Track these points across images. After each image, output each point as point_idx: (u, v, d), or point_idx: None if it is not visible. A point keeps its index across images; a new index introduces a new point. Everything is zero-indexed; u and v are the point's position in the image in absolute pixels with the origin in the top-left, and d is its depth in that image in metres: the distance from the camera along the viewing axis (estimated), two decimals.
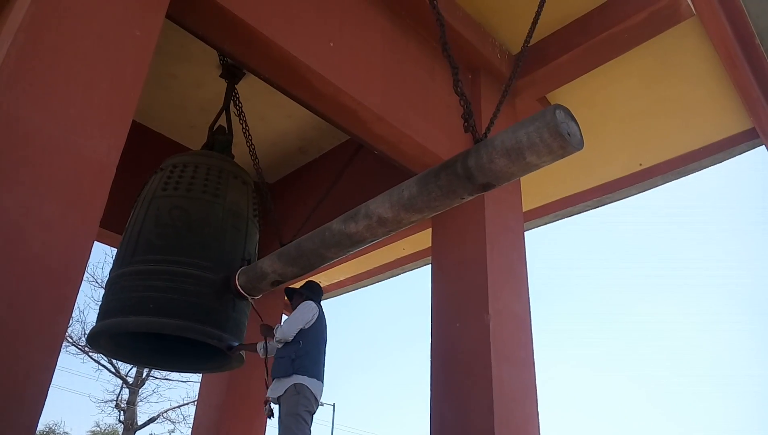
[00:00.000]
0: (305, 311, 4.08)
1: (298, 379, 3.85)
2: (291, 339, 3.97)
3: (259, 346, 4.31)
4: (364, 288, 7.46)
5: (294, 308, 4.30)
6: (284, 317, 6.83)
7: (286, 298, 4.55)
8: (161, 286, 3.95)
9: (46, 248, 2.10)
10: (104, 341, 4.15)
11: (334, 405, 27.39)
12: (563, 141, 2.23)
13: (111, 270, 4.29)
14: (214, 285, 4.07)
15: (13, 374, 1.93)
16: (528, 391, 3.77)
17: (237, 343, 4.23)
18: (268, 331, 4.25)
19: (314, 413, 3.94)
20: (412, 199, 2.76)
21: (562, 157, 2.33)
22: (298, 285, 4.52)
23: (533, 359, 3.92)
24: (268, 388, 4.14)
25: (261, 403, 5.92)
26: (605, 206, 5.83)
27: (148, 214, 4.23)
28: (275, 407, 4.04)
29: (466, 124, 2.66)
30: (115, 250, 4.93)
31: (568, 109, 2.31)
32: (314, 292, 4.36)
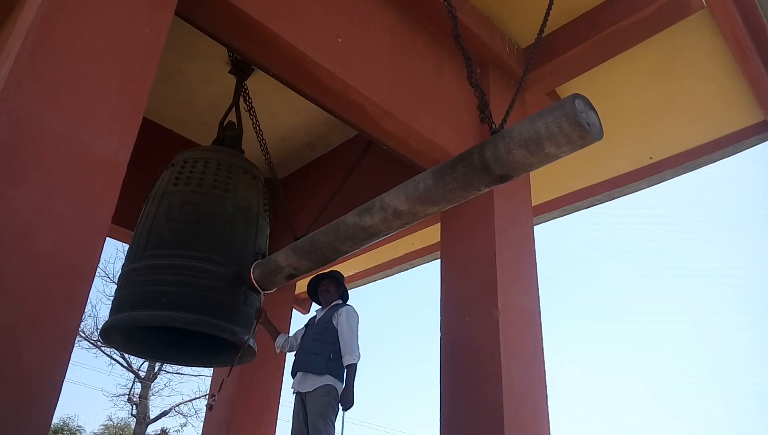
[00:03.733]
0: (357, 319, 4.06)
1: (330, 380, 3.83)
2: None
3: (281, 340, 4.34)
4: (373, 283, 7.47)
5: (329, 297, 4.24)
6: (294, 311, 6.89)
7: (307, 290, 4.47)
8: (173, 280, 3.97)
9: (58, 246, 2.12)
10: (117, 336, 4.18)
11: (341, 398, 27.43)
12: (583, 131, 2.22)
13: (123, 265, 4.32)
14: (226, 279, 4.09)
15: (27, 370, 1.96)
16: (538, 386, 3.77)
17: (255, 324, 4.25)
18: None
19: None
20: (427, 191, 2.75)
21: (582, 147, 2.31)
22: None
23: (543, 354, 3.92)
24: (220, 387, 4.13)
25: (271, 398, 5.99)
26: (606, 204, 5.82)
27: (160, 209, 4.25)
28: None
29: (482, 115, 2.65)
30: (126, 246, 4.97)
31: (587, 99, 2.30)
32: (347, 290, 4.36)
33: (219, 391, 4.18)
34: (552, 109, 2.28)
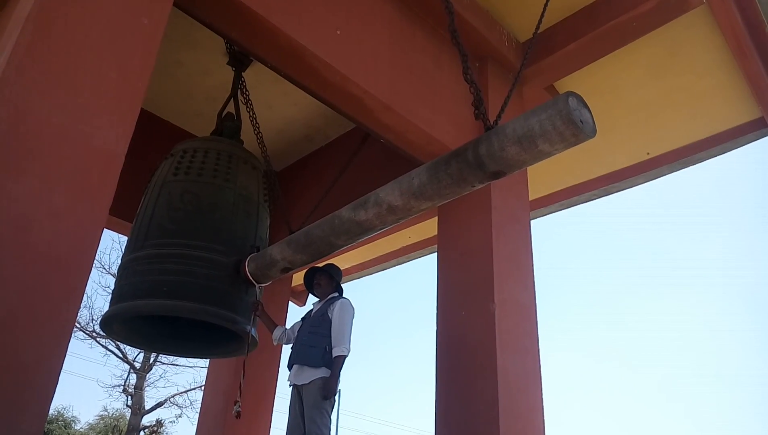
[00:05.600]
0: (352, 312, 4.06)
1: (326, 373, 3.82)
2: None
3: (278, 333, 4.35)
4: (370, 275, 7.48)
5: (322, 291, 4.26)
6: (290, 304, 6.90)
7: (303, 282, 4.47)
8: (174, 270, 3.96)
9: (56, 237, 2.12)
10: (117, 326, 4.17)
11: (339, 390, 27.54)
12: (576, 128, 2.23)
13: (123, 255, 4.31)
14: (227, 269, 4.09)
15: (25, 361, 1.96)
16: (533, 380, 3.79)
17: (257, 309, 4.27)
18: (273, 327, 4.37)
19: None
20: (422, 187, 2.76)
21: (575, 144, 2.32)
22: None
23: (538, 348, 3.94)
24: (240, 390, 4.17)
25: (267, 390, 6.01)
26: (604, 199, 5.83)
27: (160, 199, 4.24)
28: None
29: (476, 111, 2.65)
30: (122, 237, 4.96)
31: (580, 96, 2.30)
32: (341, 284, 4.35)
33: (240, 396, 4.19)
34: (546, 106, 2.29)
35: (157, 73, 5.18)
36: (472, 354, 3.71)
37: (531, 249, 4.28)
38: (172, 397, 20.59)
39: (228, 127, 4.92)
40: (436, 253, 4.36)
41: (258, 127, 4.98)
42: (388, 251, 6.97)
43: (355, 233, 3.22)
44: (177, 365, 20.88)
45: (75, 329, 18.35)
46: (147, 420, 20.14)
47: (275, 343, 4.46)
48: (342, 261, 7.06)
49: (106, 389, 24.76)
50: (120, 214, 5.21)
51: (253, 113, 5.00)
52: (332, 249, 3.49)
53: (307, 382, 3.87)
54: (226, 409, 5.73)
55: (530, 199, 4.62)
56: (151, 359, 20.31)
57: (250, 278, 4.07)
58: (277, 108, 5.69)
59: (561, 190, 5.92)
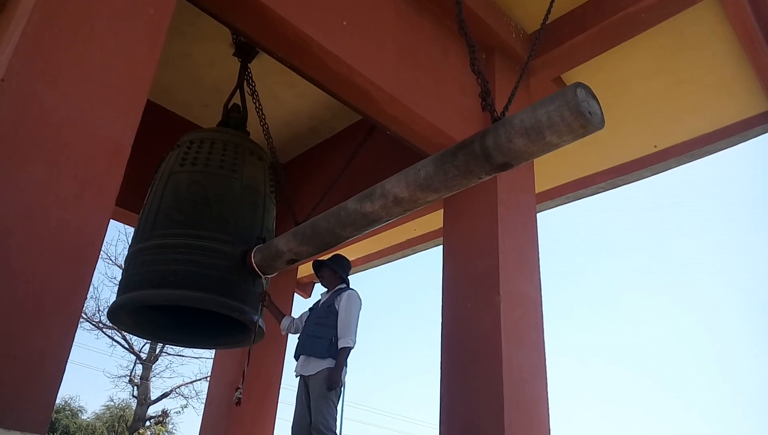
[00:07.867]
0: (359, 304, 4.07)
1: (332, 364, 3.85)
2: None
3: (285, 323, 4.36)
4: (375, 268, 7.48)
5: (326, 283, 4.27)
6: (296, 295, 6.91)
7: (313, 271, 4.49)
8: (181, 260, 3.98)
9: (63, 227, 2.12)
10: (124, 316, 4.19)
11: (344, 382, 27.55)
12: (584, 120, 2.21)
13: (130, 245, 4.33)
14: (234, 259, 4.10)
15: (32, 350, 1.97)
16: (538, 372, 3.79)
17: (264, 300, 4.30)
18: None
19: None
20: (428, 178, 2.75)
21: (583, 136, 2.31)
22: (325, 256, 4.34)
23: (543, 341, 3.93)
24: (243, 378, 4.19)
25: (273, 380, 6.02)
26: (599, 196, 5.82)
27: (167, 190, 4.26)
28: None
29: (483, 102, 2.64)
30: (129, 228, 4.98)
31: (589, 88, 2.29)
32: (347, 275, 4.35)
33: (243, 383, 4.21)
34: (554, 97, 2.27)
35: (164, 64, 5.17)
36: (477, 346, 3.70)
37: (537, 241, 4.27)
38: (178, 387, 20.71)
39: (234, 118, 4.92)
40: (441, 246, 4.36)
41: (264, 119, 4.98)
42: (393, 244, 6.96)
43: (361, 225, 3.21)
44: (183, 356, 21.01)
45: (81, 320, 18.47)
46: (153, 410, 20.28)
47: (283, 333, 4.48)
48: (347, 253, 6.99)
49: (112, 380, 24.97)
50: (126, 205, 5.22)
51: (260, 104, 4.99)
52: (338, 240, 3.50)
53: (313, 373, 3.88)
54: (232, 400, 5.75)
55: (536, 192, 4.60)
56: (157, 350, 20.42)
57: (256, 269, 4.08)
58: (283, 99, 5.68)
59: (568, 182, 5.88)
